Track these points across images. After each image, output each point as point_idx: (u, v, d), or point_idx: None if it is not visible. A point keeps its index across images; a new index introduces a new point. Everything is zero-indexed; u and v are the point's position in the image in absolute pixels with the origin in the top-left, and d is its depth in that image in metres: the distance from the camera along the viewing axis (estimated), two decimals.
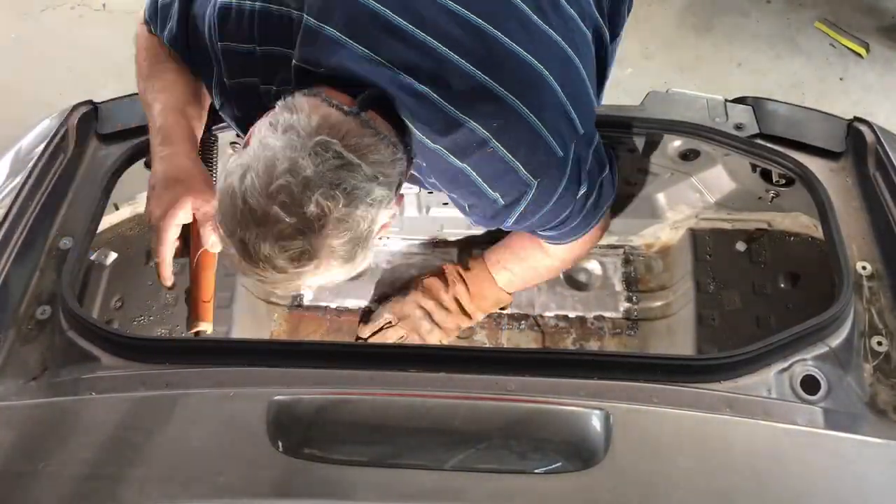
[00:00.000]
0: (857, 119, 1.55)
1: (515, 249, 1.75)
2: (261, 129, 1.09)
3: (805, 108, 1.63)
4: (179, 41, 1.38)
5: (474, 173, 1.24)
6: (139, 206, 1.85)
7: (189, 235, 1.36)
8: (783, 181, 1.66)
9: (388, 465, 1.07)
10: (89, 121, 1.61)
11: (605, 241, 2.08)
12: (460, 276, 1.86)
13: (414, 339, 1.89)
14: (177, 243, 1.32)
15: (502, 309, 1.97)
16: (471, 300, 1.85)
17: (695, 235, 1.94)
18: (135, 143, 1.56)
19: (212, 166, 1.52)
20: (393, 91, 1.14)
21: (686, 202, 1.92)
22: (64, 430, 1.12)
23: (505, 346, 2.01)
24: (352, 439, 1.12)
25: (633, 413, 1.09)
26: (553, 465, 1.08)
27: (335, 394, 1.13)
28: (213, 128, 1.55)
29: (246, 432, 1.09)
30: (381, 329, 1.93)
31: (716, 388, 1.14)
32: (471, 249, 2.08)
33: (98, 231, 1.49)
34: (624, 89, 3.39)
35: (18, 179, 1.45)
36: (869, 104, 3.31)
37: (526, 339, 2.03)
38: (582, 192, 1.36)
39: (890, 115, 3.24)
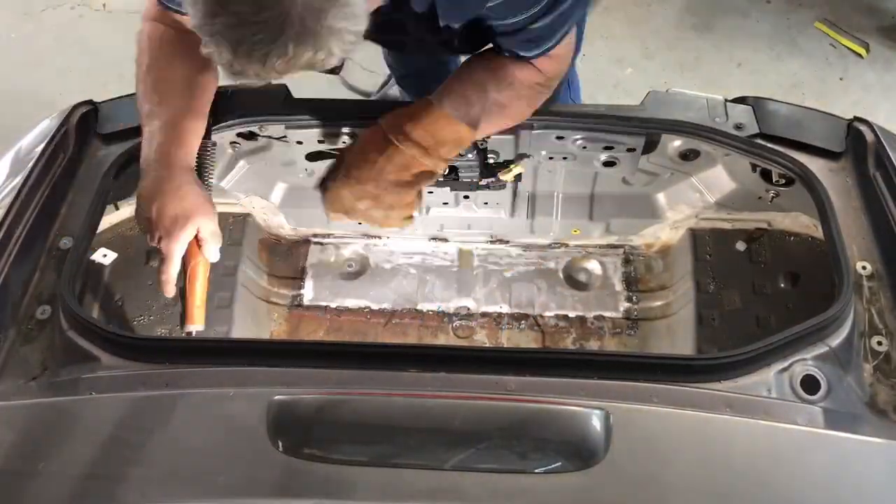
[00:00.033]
0: (857, 119, 1.55)
1: (467, 78, 1.44)
2: None
3: (805, 108, 1.63)
4: None
5: None
6: None
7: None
8: (783, 181, 1.66)
9: (388, 464, 1.07)
10: (89, 121, 1.61)
11: (605, 240, 2.09)
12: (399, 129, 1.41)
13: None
14: (178, 265, 1.38)
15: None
16: (425, 153, 1.40)
17: (695, 235, 1.94)
18: (135, 142, 1.56)
19: (209, 173, 1.53)
20: None
21: (686, 202, 1.92)
22: (64, 430, 1.12)
23: (505, 346, 2.01)
24: (352, 439, 1.12)
25: (633, 413, 1.09)
26: (553, 465, 1.08)
27: (335, 394, 1.14)
28: (214, 128, 1.55)
29: (246, 432, 1.09)
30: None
31: (716, 387, 1.14)
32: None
33: (98, 231, 1.49)
34: (624, 89, 3.40)
35: (18, 179, 1.45)
36: (869, 104, 3.31)
37: (526, 339, 2.03)
38: None
39: (890, 115, 3.23)
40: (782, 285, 1.80)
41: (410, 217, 1.52)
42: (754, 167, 1.67)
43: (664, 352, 1.89)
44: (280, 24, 0.92)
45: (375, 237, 2.15)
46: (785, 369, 1.17)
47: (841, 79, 3.45)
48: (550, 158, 1.73)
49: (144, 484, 1.06)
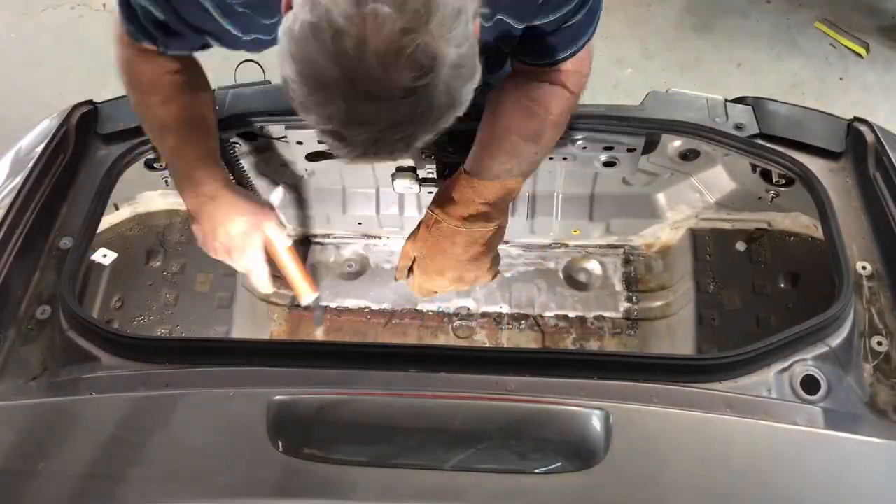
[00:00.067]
0: (857, 119, 1.55)
1: (501, 128, 1.37)
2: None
3: (805, 108, 1.63)
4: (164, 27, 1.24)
5: None
6: (139, 206, 1.86)
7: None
8: (783, 181, 1.66)
9: (389, 465, 1.07)
10: (89, 121, 1.61)
11: (605, 240, 2.09)
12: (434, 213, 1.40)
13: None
14: (266, 267, 1.43)
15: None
16: (487, 220, 1.36)
17: (695, 235, 1.94)
18: (135, 142, 1.57)
19: (239, 167, 1.55)
20: None
21: (686, 202, 1.92)
22: (64, 430, 1.12)
23: (505, 346, 2.01)
24: (352, 439, 1.12)
25: (633, 413, 1.09)
26: (553, 465, 1.08)
27: (335, 394, 1.13)
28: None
29: (246, 432, 1.09)
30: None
31: (716, 388, 1.14)
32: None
33: (98, 231, 1.49)
34: (624, 89, 3.41)
35: (18, 179, 1.45)
36: (869, 104, 3.32)
37: (526, 339, 2.03)
38: None
39: (890, 115, 3.24)
40: (782, 285, 1.80)
41: (498, 272, 1.50)
42: (754, 167, 1.67)
43: (664, 352, 1.89)
44: (429, 113, 0.89)
45: (375, 237, 2.15)
46: (785, 369, 1.17)
47: (841, 79, 3.45)
48: (550, 158, 1.73)
49: (144, 484, 1.06)
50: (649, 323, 2.01)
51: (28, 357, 1.27)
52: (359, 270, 2.14)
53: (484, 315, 2.06)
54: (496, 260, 1.45)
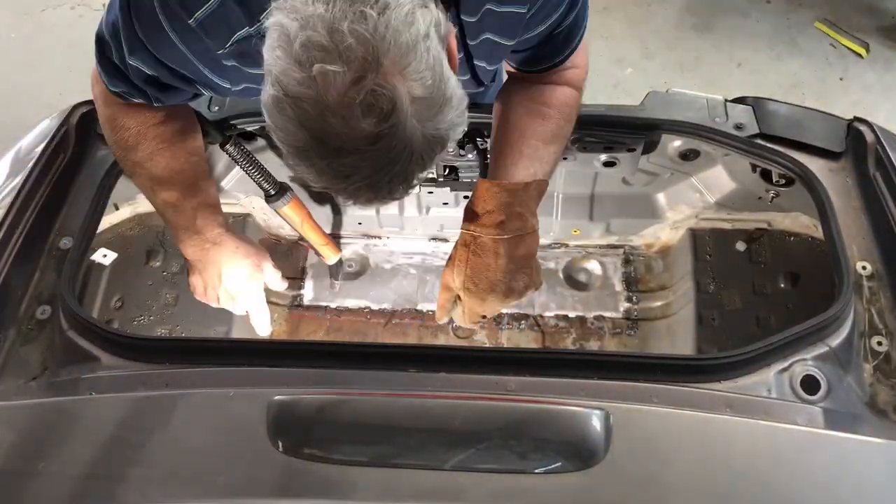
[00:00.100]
0: (857, 119, 1.55)
1: (517, 133, 1.36)
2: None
3: (805, 108, 1.63)
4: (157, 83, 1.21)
5: None
6: (139, 206, 1.86)
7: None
8: (783, 181, 1.66)
9: (388, 465, 1.07)
10: (89, 121, 1.61)
11: (605, 240, 2.09)
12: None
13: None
14: (266, 307, 1.54)
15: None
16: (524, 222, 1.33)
17: (695, 235, 1.94)
18: None
19: (255, 168, 1.60)
20: None
21: (686, 202, 1.92)
22: (64, 430, 1.12)
23: (505, 346, 2.01)
24: (352, 439, 1.12)
25: (633, 413, 1.09)
26: (553, 465, 1.07)
27: (335, 394, 1.13)
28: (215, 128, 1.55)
29: (246, 432, 1.09)
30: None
31: (716, 388, 1.14)
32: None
33: (98, 231, 1.49)
34: (624, 89, 3.41)
35: (18, 179, 1.45)
36: (869, 104, 3.31)
37: (526, 339, 2.03)
38: None
39: (890, 115, 3.24)
40: (782, 285, 1.80)
41: (541, 281, 1.45)
42: (754, 167, 1.67)
43: (664, 352, 1.89)
44: (408, 151, 0.88)
45: (375, 237, 2.15)
46: (785, 369, 1.17)
47: (841, 79, 3.45)
48: None
49: (144, 484, 1.06)
50: (649, 323, 2.01)
51: (28, 357, 1.27)
52: (359, 270, 2.14)
53: (484, 315, 2.06)
54: (538, 265, 1.41)
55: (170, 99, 1.23)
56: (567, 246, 2.10)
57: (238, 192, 1.97)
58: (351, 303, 2.09)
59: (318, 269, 2.12)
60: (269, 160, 1.83)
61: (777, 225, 1.84)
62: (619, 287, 2.06)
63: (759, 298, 1.81)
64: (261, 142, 1.74)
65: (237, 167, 1.84)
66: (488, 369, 1.16)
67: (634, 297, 2.04)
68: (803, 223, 1.76)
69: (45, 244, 1.43)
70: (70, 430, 1.12)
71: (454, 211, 2.00)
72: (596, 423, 1.07)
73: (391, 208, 2.03)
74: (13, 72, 3.64)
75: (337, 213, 2.07)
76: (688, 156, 1.73)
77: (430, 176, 1.83)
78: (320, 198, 2.03)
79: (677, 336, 1.90)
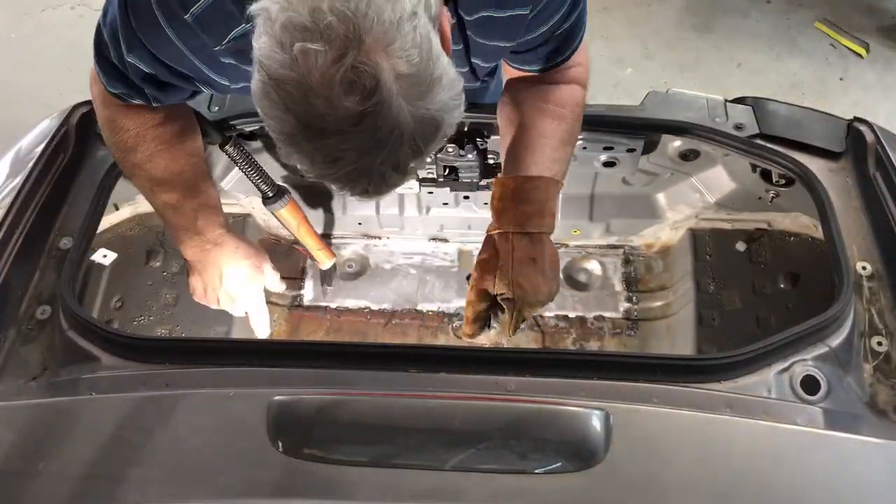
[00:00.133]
0: (857, 119, 1.55)
1: (534, 132, 1.35)
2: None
3: (805, 108, 1.63)
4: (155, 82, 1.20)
5: None
6: (139, 206, 1.86)
7: None
8: (783, 181, 1.66)
9: (388, 465, 1.07)
10: (89, 121, 1.61)
11: (605, 240, 2.09)
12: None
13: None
14: (265, 309, 1.56)
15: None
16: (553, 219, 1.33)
17: (695, 235, 1.94)
18: None
19: (254, 169, 1.62)
20: None
21: (686, 202, 1.92)
22: (64, 430, 1.12)
23: (505, 346, 2.00)
24: (352, 440, 1.12)
25: (633, 413, 1.09)
26: (553, 465, 1.08)
27: (335, 394, 1.13)
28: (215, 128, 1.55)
29: (246, 432, 1.09)
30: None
31: (716, 388, 1.14)
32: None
33: (98, 231, 1.49)
34: (624, 89, 3.41)
35: (18, 179, 1.45)
36: (869, 104, 3.32)
37: (526, 339, 2.03)
38: None
39: (890, 115, 3.24)
40: (782, 285, 1.80)
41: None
42: (754, 167, 1.67)
43: (664, 352, 1.89)
44: (397, 133, 0.85)
45: (375, 237, 2.15)
46: (785, 369, 1.17)
47: (841, 79, 3.45)
48: None
49: (144, 484, 1.06)
50: (649, 323, 2.01)
51: (28, 357, 1.27)
52: (359, 270, 2.14)
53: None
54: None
55: (169, 98, 1.23)
56: (567, 246, 2.10)
57: (238, 193, 1.97)
58: (351, 303, 2.09)
59: (317, 270, 2.12)
60: (268, 162, 1.84)
61: (777, 225, 1.84)
62: (619, 287, 2.06)
63: (759, 298, 1.81)
64: (260, 143, 1.74)
65: (237, 167, 1.85)
66: (488, 369, 1.16)
67: (634, 298, 2.04)
68: (803, 223, 1.76)
69: (45, 244, 1.43)
70: (70, 430, 1.12)
71: (454, 211, 2.00)
72: (596, 423, 1.07)
73: (391, 208, 2.03)
74: (13, 72, 3.64)
75: (337, 213, 2.07)
76: (688, 156, 1.73)
77: (430, 176, 1.83)
78: (321, 198, 2.03)
79: (677, 336, 1.90)
